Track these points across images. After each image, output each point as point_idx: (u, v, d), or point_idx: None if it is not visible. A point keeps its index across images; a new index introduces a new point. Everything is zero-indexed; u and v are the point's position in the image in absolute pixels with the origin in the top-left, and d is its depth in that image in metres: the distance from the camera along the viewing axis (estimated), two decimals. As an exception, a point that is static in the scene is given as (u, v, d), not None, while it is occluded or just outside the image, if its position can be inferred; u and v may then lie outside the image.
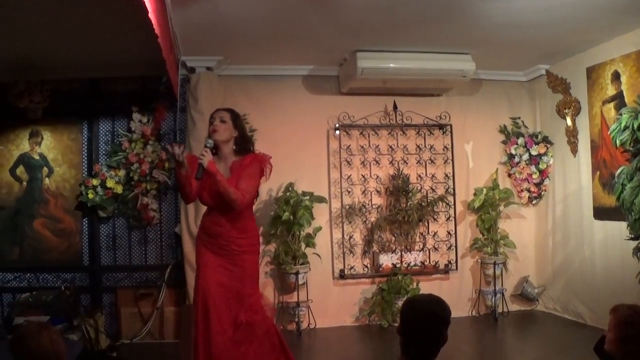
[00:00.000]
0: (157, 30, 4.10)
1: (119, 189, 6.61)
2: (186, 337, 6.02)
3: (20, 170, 6.73)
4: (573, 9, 5.28)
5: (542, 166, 7.32)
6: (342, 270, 7.09)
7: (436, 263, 7.30)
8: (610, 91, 6.24)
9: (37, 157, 6.75)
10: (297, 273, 6.64)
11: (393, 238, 7.17)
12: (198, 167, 4.11)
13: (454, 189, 7.38)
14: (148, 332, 6.57)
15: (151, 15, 3.81)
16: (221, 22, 5.46)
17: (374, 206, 7.20)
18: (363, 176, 7.19)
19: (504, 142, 7.56)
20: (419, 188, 7.26)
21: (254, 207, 4.81)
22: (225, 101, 6.84)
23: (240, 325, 4.25)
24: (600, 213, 6.42)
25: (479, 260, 7.29)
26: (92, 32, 5.30)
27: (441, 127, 7.40)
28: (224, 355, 4.18)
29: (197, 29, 5.64)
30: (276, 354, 4.41)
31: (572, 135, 6.90)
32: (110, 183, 6.58)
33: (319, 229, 6.93)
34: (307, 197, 6.74)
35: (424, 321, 2.69)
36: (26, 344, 2.82)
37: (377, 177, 7.23)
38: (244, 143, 4.44)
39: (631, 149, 5.40)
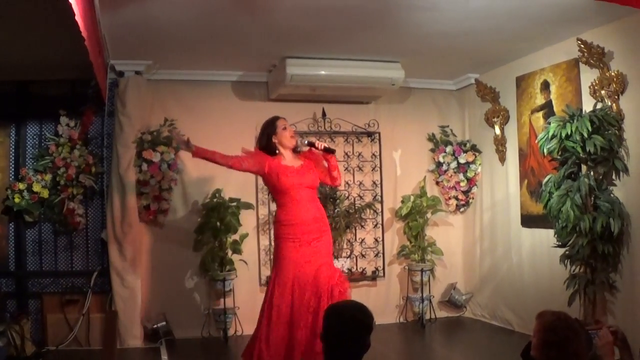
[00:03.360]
0: (84, 33, 4.03)
1: (45, 194, 6.52)
2: (109, 344, 6.00)
3: (-56, 174, 6.61)
4: (502, 20, 5.31)
5: (470, 174, 7.38)
6: (269, 277, 7.04)
7: (363, 270, 7.34)
8: (540, 100, 6.33)
9: (-38, 161, 6.64)
10: (223, 280, 6.61)
11: (321, 244, 7.17)
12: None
13: (381, 197, 7.43)
14: (74, 338, 6.50)
15: (78, 18, 3.74)
16: (151, 26, 5.40)
17: (301, 213, 7.20)
18: (291, 182, 7.19)
19: (432, 150, 7.61)
20: (346, 195, 7.30)
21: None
22: (154, 106, 6.83)
23: (333, 298, 4.70)
24: (528, 221, 6.51)
25: (407, 267, 7.33)
26: (19, 33, 5.23)
27: (369, 134, 7.44)
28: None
29: (126, 32, 5.57)
30: None
31: (500, 144, 6.99)
32: (36, 187, 6.48)
33: (246, 235, 6.89)
34: (234, 204, 6.72)
35: (347, 328, 2.77)
36: None
37: (305, 183, 7.24)
38: None
39: (558, 157, 5.51)
